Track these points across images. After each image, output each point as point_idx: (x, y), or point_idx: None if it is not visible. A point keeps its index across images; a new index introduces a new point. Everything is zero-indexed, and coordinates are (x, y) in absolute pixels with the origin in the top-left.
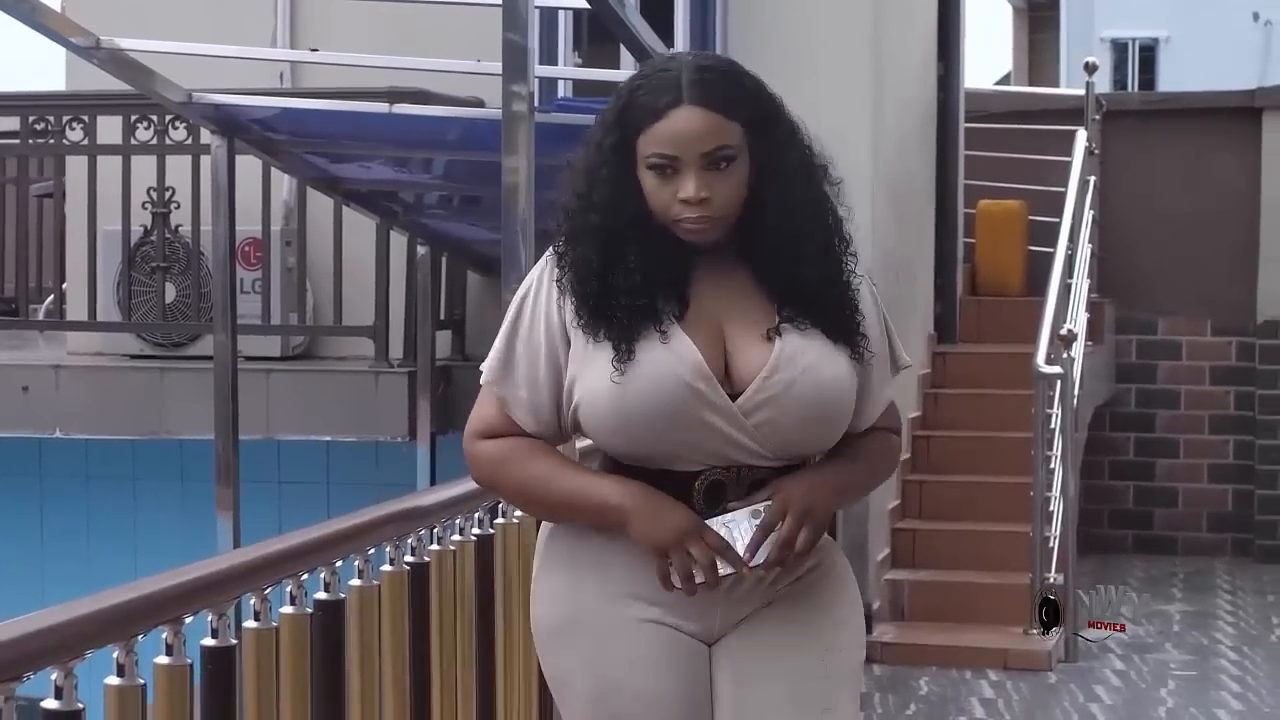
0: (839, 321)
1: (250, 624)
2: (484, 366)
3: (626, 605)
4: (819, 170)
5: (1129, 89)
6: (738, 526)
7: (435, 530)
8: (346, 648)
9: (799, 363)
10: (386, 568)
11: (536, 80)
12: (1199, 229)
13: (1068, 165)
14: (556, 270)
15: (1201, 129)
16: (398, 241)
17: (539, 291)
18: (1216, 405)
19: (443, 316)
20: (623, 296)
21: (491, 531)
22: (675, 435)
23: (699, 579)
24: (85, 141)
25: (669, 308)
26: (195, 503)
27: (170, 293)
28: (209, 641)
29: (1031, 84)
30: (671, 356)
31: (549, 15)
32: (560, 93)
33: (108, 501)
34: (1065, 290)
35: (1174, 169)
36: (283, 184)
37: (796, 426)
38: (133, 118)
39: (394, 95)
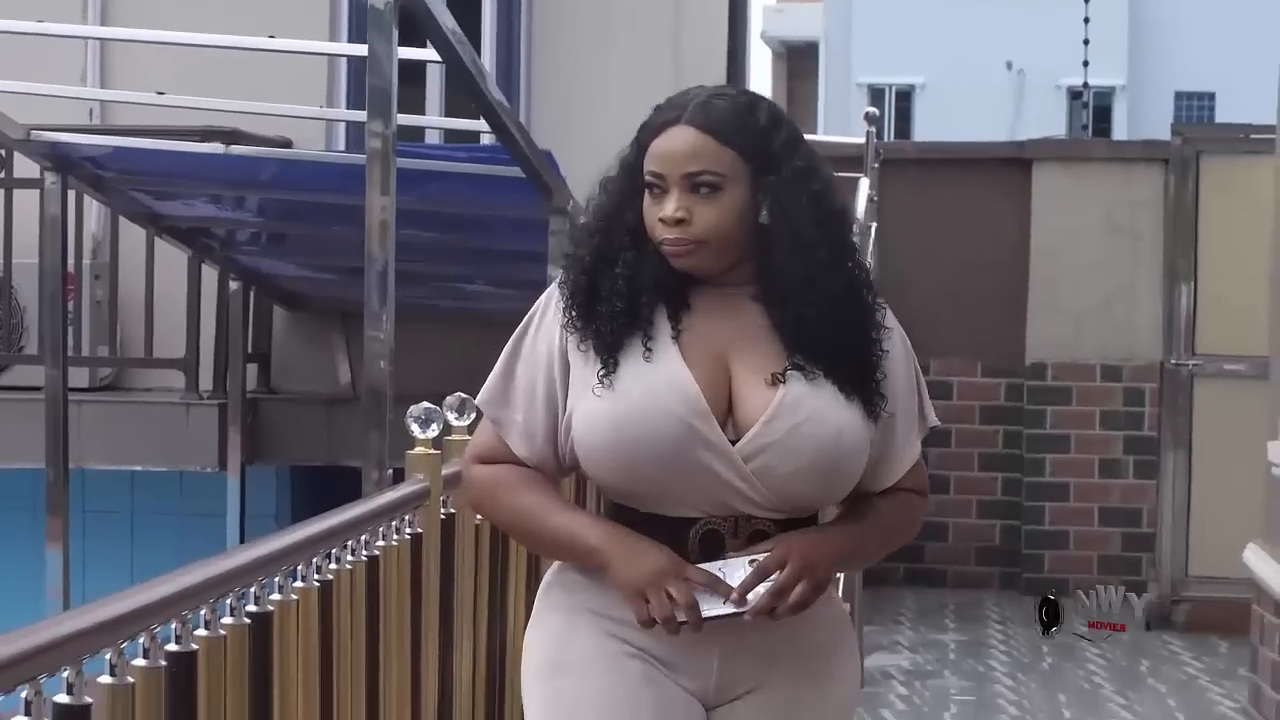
0: (853, 374)
1: (105, 679)
2: (482, 390)
3: (620, 649)
4: (837, 215)
5: (886, 132)
6: (732, 573)
7: (277, 579)
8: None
9: (803, 409)
10: (227, 619)
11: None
12: (972, 274)
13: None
14: (558, 287)
15: (975, 178)
16: (208, 276)
17: (544, 315)
18: (986, 443)
19: (249, 350)
20: (607, 301)
21: (330, 578)
22: (669, 473)
23: (680, 619)
24: None
25: (661, 324)
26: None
27: None
28: (63, 698)
29: None
30: (669, 389)
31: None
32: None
33: None
34: None
35: (948, 216)
36: (91, 218)
37: (797, 475)
38: None
39: (208, 134)
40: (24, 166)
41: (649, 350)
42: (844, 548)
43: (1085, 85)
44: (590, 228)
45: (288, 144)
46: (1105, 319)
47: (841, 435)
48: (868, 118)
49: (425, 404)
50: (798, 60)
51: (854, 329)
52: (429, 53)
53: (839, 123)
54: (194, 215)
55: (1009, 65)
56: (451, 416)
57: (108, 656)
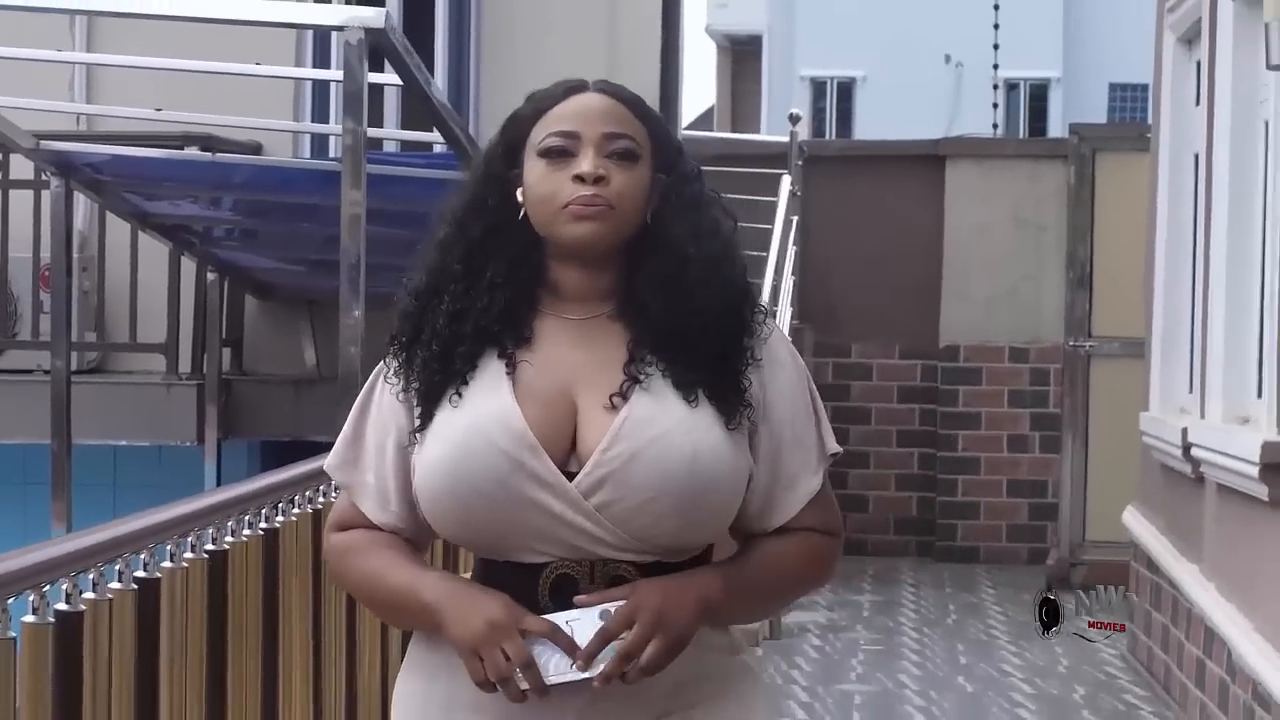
0: (713, 381)
1: (115, 585)
2: (330, 454)
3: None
4: (724, 221)
5: (827, 124)
6: (581, 627)
7: (92, 576)
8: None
9: (647, 432)
10: (29, 618)
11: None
12: (890, 264)
13: (773, 205)
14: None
15: (893, 173)
16: (187, 268)
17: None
18: (903, 421)
19: (224, 336)
20: (425, 345)
21: (159, 575)
22: (504, 515)
23: (522, 684)
24: None
25: (490, 360)
26: None
27: None
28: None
29: (734, 119)
30: (493, 424)
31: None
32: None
33: None
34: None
35: (868, 210)
36: (79, 215)
37: (645, 509)
38: None
39: (186, 140)
40: (18, 168)
41: (458, 395)
42: (711, 597)
43: (995, 82)
44: (423, 258)
45: (258, 149)
46: (1013, 304)
47: (696, 460)
48: (791, 118)
49: None
50: (742, 54)
51: (720, 332)
52: (393, 77)
53: (781, 116)
54: (179, 214)
55: (948, 58)
56: None
57: (118, 567)
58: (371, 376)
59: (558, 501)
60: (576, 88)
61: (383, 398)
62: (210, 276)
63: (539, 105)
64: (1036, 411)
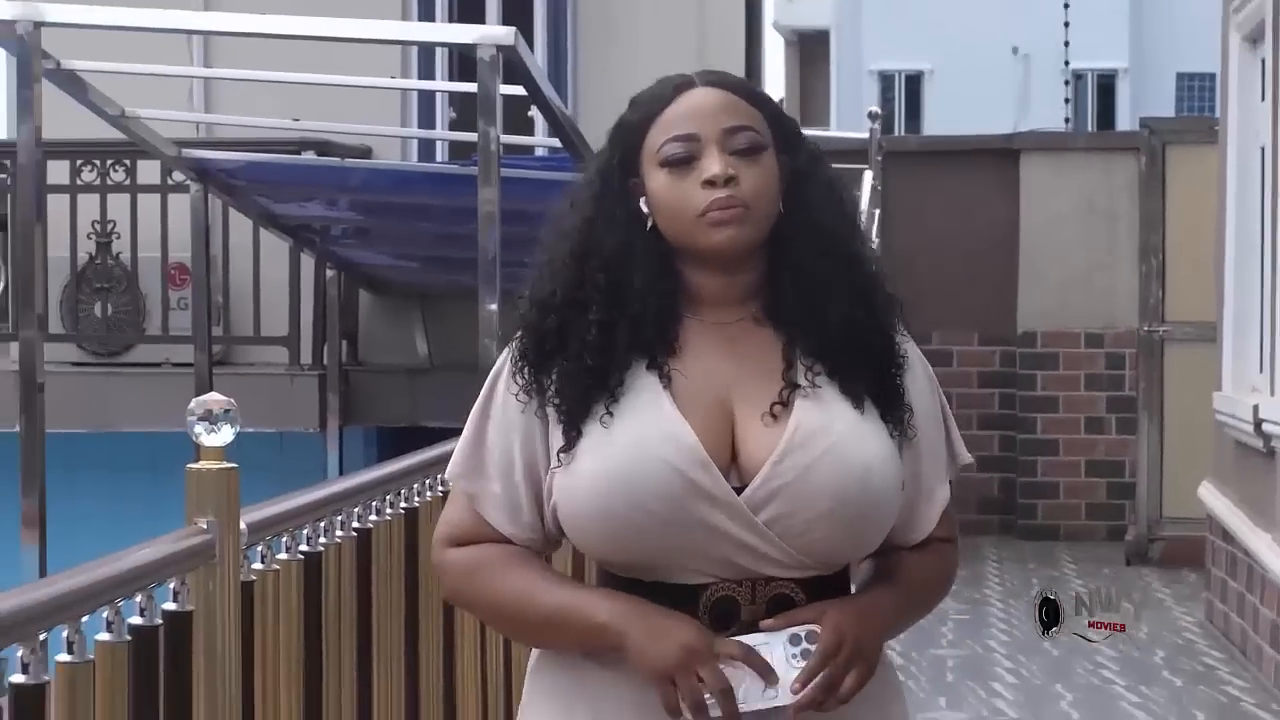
0: (878, 385)
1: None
2: (451, 462)
3: None
4: (854, 205)
5: (896, 118)
6: (772, 652)
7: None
8: None
9: (820, 441)
10: (104, 636)
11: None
12: (968, 254)
13: (856, 199)
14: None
15: (969, 167)
16: (305, 264)
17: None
18: (983, 405)
19: (340, 329)
20: (575, 358)
21: (253, 578)
22: (670, 535)
23: (714, 712)
24: None
25: (640, 371)
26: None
27: (107, 309)
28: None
29: (803, 113)
30: (661, 440)
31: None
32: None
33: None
34: None
35: (946, 202)
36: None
37: (820, 524)
38: (78, 162)
39: (303, 145)
40: (145, 174)
41: (610, 411)
42: (892, 620)
43: (1065, 76)
44: (547, 271)
45: (368, 153)
46: (1088, 291)
47: (870, 471)
48: (871, 116)
49: None
50: (810, 49)
51: (874, 329)
52: (518, 89)
53: (851, 109)
54: (303, 214)
55: (1015, 50)
56: None
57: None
58: (489, 381)
59: (727, 518)
60: (684, 85)
61: (506, 404)
62: (329, 273)
63: (649, 110)
64: (1112, 394)
